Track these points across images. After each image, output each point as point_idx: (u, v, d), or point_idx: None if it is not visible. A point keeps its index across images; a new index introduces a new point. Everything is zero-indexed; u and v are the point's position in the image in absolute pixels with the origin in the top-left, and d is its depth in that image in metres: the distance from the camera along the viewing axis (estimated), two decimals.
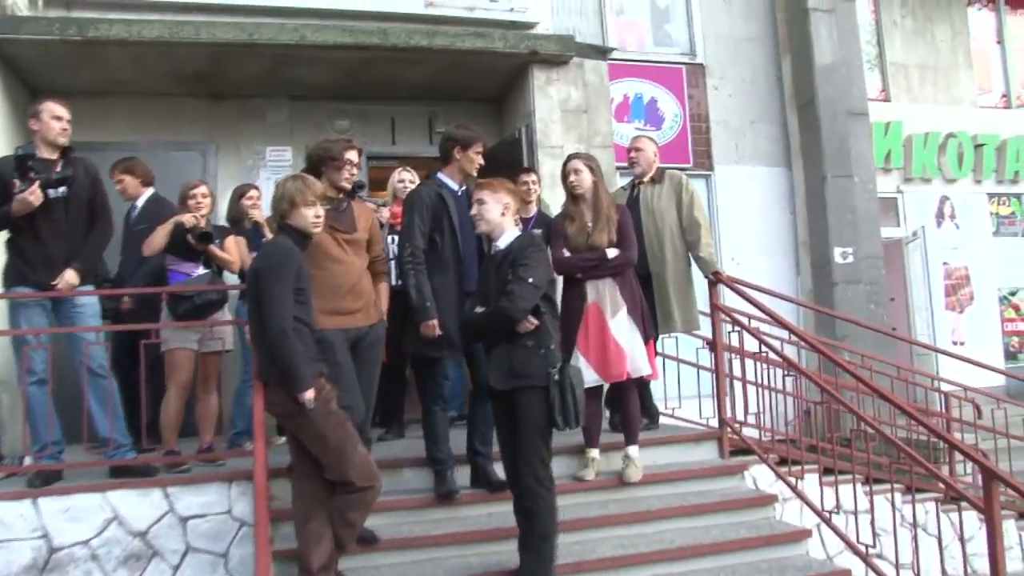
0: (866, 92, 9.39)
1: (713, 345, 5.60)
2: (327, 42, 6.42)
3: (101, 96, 7.06)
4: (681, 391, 6.24)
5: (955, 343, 10.02)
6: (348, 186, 4.29)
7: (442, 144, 4.72)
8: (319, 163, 4.27)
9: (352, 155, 4.28)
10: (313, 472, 3.65)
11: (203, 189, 5.19)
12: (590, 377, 4.62)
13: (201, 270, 5.07)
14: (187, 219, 5.00)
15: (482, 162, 4.70)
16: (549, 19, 7.71)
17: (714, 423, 5.54)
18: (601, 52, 7.38)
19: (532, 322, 3.79)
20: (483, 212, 3.97)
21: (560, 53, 7.05)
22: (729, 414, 5.43)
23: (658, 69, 9.12)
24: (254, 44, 6.33)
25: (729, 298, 6.32)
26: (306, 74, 7.04)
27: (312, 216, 3.72)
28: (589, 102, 7.21)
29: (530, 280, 3.75)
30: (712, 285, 5.51)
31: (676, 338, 6.02)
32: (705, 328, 5.68)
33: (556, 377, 3.74)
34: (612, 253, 4.76)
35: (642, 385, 5.50)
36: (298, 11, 6.73)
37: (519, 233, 4.01)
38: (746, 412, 5.60)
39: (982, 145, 10.51)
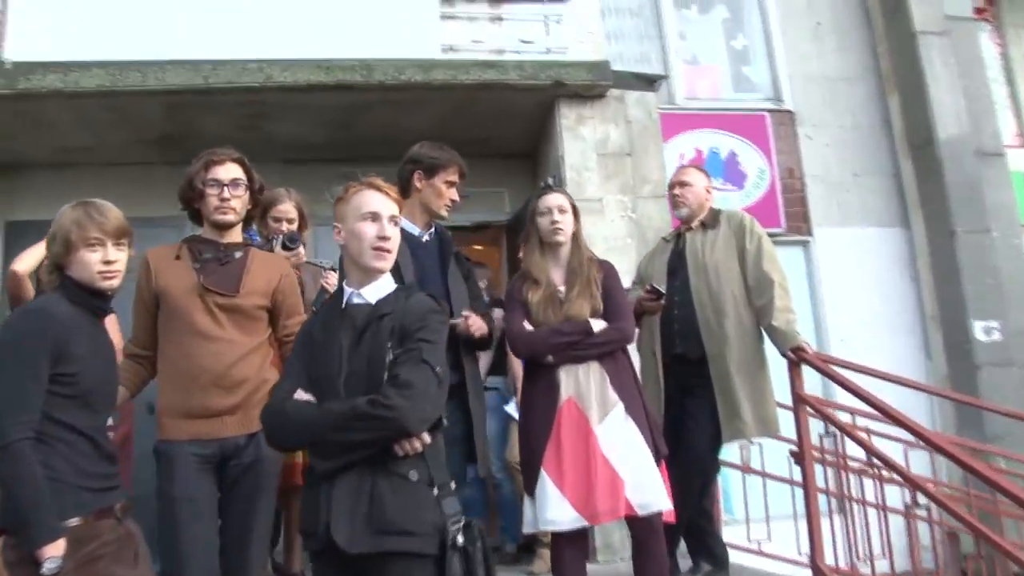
0: (999, 128, 7.61)
1: (800, 455, 3.83)
2: (298, 82, 5.19)
3: (63, 168, 6.10)
4: (769, 511, 4.58)
5: None
6: (226, 219, 2.96)
7: (400, 171, 3.35)
8: (187, 200, 3.01)
9: (225, 171, 2.95)
10: None
11: None
12: (567, 516, 2.97)
13: None
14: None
15: (456, 198, 3.32)
16: None
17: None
18: (647, 81, 5.85)
19: (424, 441, 2.16)
20: (396, 239, 2.40)
21: (593, 83, 5.54)
22: (830, 559, 3.64)
23: (737, 118, 7.66)
24: (212, 90, 5.20)
25: (829, 386, 4.65)
26: (292, 131, 5.85)
27: (98, 263, 2.32)
28: (634, 143, 5.65)
29: (437, 369, 2.19)
30: (793, 366, 3.80)
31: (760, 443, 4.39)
32: (788, 428, 3.97)
33: (459, 539, 2.10)
34: (598, 325, 3.18)
35: (700, 513, 3.84)
36: (272, 63, 5.39)
37: (395, 285, 2.42)
38: (852, 550, 3.79)
39: None
